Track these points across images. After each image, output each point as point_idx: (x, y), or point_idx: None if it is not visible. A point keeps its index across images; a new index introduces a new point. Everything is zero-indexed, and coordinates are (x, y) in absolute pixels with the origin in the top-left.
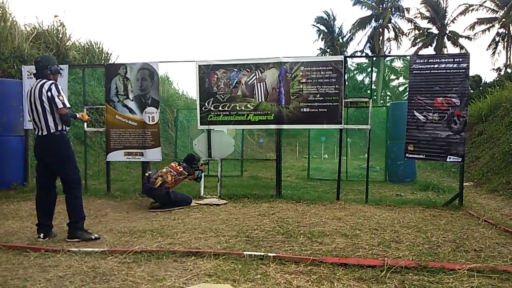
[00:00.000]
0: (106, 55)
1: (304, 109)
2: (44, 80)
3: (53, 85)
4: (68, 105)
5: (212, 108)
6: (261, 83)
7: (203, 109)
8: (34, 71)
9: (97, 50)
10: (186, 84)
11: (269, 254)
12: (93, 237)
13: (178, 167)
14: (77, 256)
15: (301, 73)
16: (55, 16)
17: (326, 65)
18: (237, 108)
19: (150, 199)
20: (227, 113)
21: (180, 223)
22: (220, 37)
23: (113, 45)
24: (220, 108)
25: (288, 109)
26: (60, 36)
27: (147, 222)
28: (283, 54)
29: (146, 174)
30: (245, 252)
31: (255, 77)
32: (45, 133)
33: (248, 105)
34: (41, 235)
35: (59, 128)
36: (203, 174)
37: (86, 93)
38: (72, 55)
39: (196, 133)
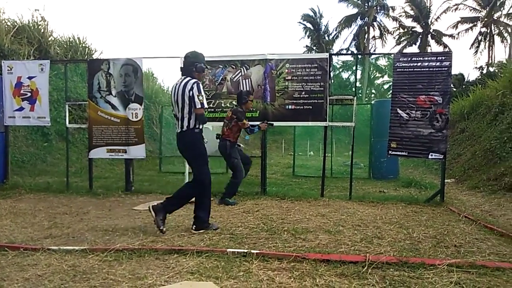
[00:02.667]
0: (89, 50)
1: (289, 106)
2: (188, 78)
3: (195, 84)
4: (206, 105)
5: None
6: (247, 80)
7: None
8: (181, 66)
9: (80, 45)
10: (171, 81)
11: (252, 251)
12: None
13: (228, 114)
14: (57, 254)
15: (286, 70)
16: (36, 10)
17: (312, 63)
18: (222, 105)
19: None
20: (212, 110)
21: None
22: (205, 33)
23: (96, 41)
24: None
25: (274, 106)
26: (42, 31)
27: (130, 220)
28: (269, 51)
29: None
30: (228, 249)
31: (240, 74)
32: (184, 129)
33: (234, 102)
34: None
35: (196, 125)
36: (256, 128)
37: (69, 89)
38: (54, 50)
39: None
